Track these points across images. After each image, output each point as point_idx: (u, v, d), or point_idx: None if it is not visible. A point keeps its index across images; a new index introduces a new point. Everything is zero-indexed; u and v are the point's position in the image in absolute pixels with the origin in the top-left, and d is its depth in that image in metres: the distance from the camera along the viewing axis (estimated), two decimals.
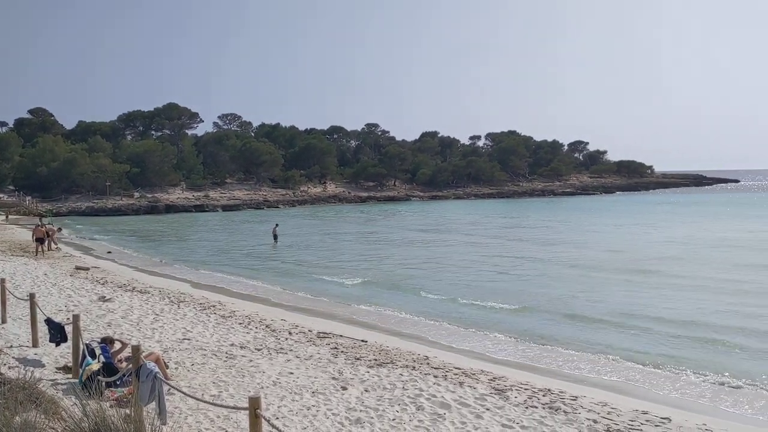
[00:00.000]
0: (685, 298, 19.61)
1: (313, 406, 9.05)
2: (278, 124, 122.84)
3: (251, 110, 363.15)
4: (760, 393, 11.27)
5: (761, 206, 67.86)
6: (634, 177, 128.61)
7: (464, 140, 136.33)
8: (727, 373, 12.18)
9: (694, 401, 10.85)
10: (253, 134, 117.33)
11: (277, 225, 42.01)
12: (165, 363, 9.93)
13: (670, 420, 9.26)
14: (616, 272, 24.80)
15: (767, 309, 17.80)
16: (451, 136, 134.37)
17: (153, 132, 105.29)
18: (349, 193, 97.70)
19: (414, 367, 11.72)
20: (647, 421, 9.19)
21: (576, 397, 10.22)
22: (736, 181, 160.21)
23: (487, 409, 9.29)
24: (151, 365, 7.33)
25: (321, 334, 14.63)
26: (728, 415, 10.12)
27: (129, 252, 34.95)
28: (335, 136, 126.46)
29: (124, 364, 9.37)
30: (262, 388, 9.84)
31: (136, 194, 79.79)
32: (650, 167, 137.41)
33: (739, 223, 46.50)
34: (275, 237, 40.06)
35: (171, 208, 74.51)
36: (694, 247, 32.29)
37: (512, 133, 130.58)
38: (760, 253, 29.47)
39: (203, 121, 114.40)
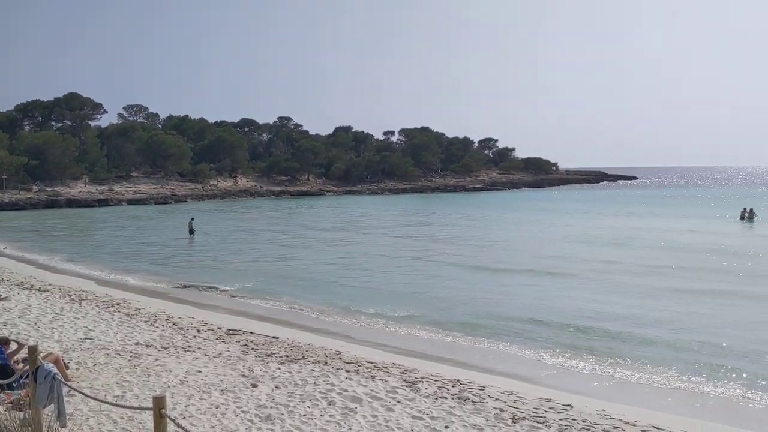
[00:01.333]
0: (582, 294, 20.31)
1: (222, 404, 8.91)
2: (187, 116, 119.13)
3: (158, 102, 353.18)
4: (651, 380, 12.07)
5: (654, 204, 71.71)
6: (540, 174, 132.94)
7: (378, 135, 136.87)
8: (622, 363, 13.00)
9: (594, 389, 11.43)
10: (160, 126, 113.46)
11: (192, 219, 40.99)
12: (65, 364, 9.56)
13: (572, 407, 9.67)
14: (519, 270, 25.29)
15: (659, 307, 18.91)
16: (365, 132, 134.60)
17: (53, 123, 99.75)
18: (261, 187, 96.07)
19: (326, 363, 11.71)
20: (551, 408, 9.55)
21: (484, 387, 10.51)
22: (635, 178, 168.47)
23: (398, 402, 9.41)
24: (50, 366, 7.03)
25: (231, 332, 14.40)
26: (625, 401, 10.68)
27: (27, 249, 33.20)
28: (246, 129, 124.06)
29: (21, 365, 9.02)
30: (169, 387, 9.59)
31: (35, 188, 75.71)
32: (555, 164, 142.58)
33: (630, 220, 48.82)
34: (191, 231, 38.94)
35: (73, 203, 71.17)
36: (590, 245, 33.46)
37: (425, 129, 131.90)
38: (650, 251, 31.14)
39: (107, 112, 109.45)
